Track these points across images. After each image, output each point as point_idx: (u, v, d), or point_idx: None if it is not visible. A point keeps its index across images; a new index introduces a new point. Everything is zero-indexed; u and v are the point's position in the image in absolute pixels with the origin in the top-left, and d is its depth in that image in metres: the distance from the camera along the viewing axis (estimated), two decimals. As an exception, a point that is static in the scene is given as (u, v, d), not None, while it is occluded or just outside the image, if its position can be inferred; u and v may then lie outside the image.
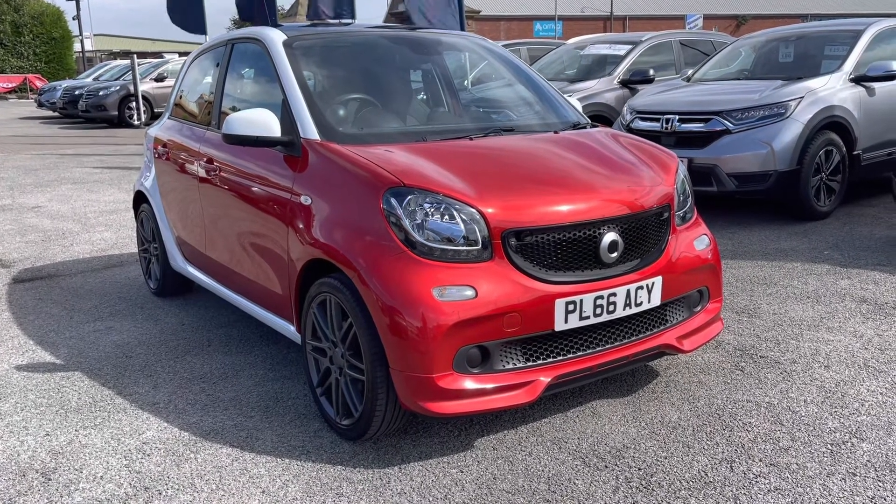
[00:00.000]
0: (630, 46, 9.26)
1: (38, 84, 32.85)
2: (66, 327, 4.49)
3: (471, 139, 3.27)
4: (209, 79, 4.33)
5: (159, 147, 4.72)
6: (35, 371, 3.82)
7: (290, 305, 3.28)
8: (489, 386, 2.70)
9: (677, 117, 6.74)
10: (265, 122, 3.21)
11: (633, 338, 3.03)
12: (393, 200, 2.75)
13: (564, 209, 2.83)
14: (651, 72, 8.64)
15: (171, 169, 4.52)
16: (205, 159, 3.96)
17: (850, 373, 3.50)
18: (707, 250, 3.32)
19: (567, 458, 2.82)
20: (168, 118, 4.85)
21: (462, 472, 2.75)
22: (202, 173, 3.99)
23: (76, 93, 21.56)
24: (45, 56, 40.66)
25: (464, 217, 2.73)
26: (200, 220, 4.12)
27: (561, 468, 2.76)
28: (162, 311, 4.78)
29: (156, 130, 4.92)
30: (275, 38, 3.64)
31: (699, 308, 3.32)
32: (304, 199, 3.08)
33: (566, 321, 2.80)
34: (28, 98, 35.20)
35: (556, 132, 3.53)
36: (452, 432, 3.04)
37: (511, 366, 2.76)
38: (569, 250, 2.82)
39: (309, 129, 3.20)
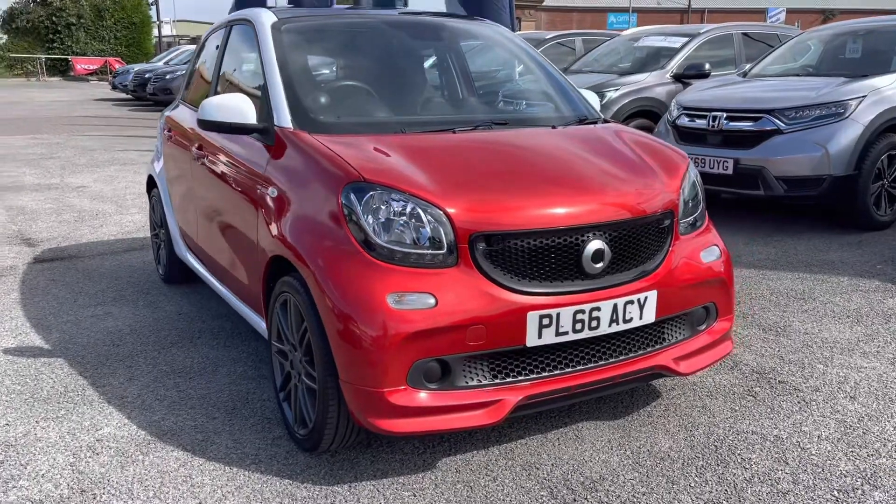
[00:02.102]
0: (686, 39, 8.77)
1: (117, 67, 33.83)
2: (67, 311, 4.44)
3: (454, 132, 3.02)
4: (211, 61, 4.19)
5: (166, 131, 4.62)
6: (20, 356, 3.75)
7: (260, 301, 3.10)
8: (447, 404, 2.46)
9: (725, 115, 6.29)
10: (239, 109, 3.03)
11: (622, 357, 2.74)
12: (352, 196, 2.53)
13: (542, 212, 2.55)
14: (707, 66, 8.15)
15: (174, 153, 4.42)
16: (197, 144, 3.82)
17: (877, 406, 3.12)
18: (717, 262, 2.99)
19: (534, 487, 2.56)
20: (179, 101, 4.75)
21: (415, 495, 2.52)
22: (195, 158, 3.86)
23: (146, 76, 22.04)
24: (125, 40, 41.94)
25: (428, 218, 2.49)
26: (194, 206, 4.00)
27: (524, 498, 2.50)
28: (164, 298, 4.68)
29: (168, 113, 4.82)
30: (264, 20, 3.45)
31: (704, 326, 3.00)
32: (272, 191, 2.90)
33: (540, 336, 2.53)
34: (108, 80, 36.31)
35: (553, 127, 3.25)
36: (417, 449, 2.81)
37: (475, 383, 2.51)
38: (546, 258, 2.55)
39: (283, 116, 3.00)
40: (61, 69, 39.71)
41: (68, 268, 5.37)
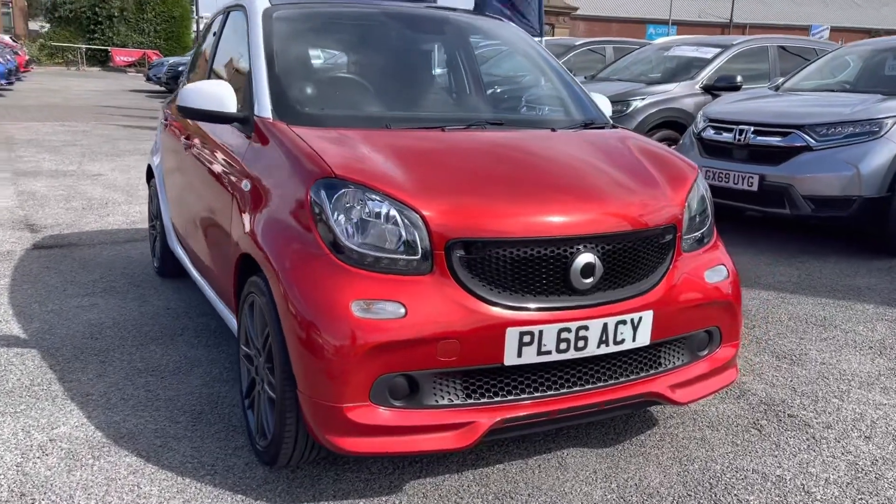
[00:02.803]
0: (718, 50, 8.47)
1: (154, 59, 34.13)
2: (53, 300, 4.31)
3: (443, 130, 2.82)
4: (209, 48, 4.04)
5: (164, 119, 4.49)
6: (-5, 344, 3.63)
7: (232, 300, 2.93)
8: (413, 424, 2.26)
9: (752, 128, 6.01)
10: (220, 96, 2.87)
11: (611, 381, 2.52)
12: (323, 193, 2.34)
13: (528, 220, 2.34)
14: (738, 78, 7.85)
15: (169, 142, 4.28)
16: (186, 133, 3.67)
17: (894, 449, 2.86)
18: (724, 283, 2.75)
19: (504, 520, 2.35)
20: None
21: (374, 521, 2.32)
22: (184, 147, 3.71)
23: (179, 69, 22.16)
24: (164, 33, 42.30)
25: (403, 220, 2.29)
26: (182, 197, 3.85)
27: (492, 532, 2.29)
28: (155, 291, 4.54)
29: (170, 101, 4.69)
30: (256, 5, 3.28)
31: (706, 352, 2.76)
32: (245, 184, 2.73)
33: (520, 355, 2.32)
34: (143, 72, 36.64)
35: (553, 130, 3.03)
36: (385, 469, 2.60)
37: (446, 402, 2.31)
38: (529, 270, 2.34)
39: (264, 106, 2.83)
40: (101, 59, 40.17)
41: (65, 256, 5.26)
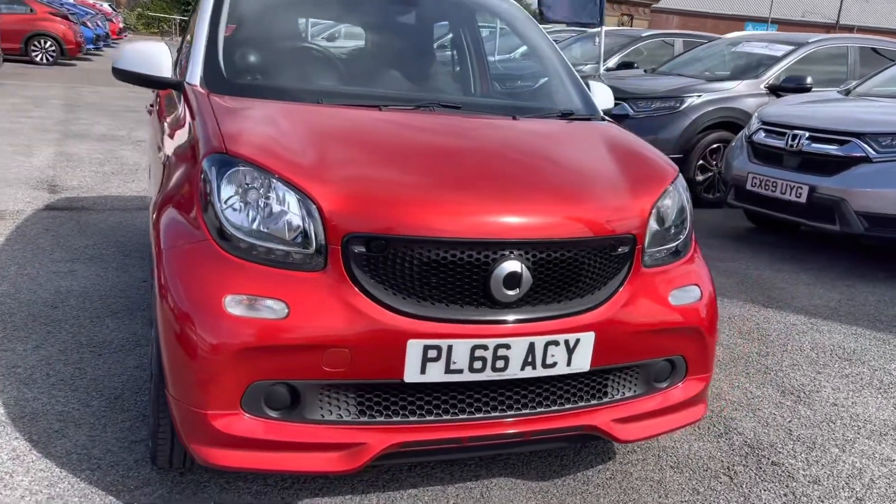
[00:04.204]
0: (790, 48, 7.81)
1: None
2: (35, 263, 4.22)
3: (380, 110, 2.51)
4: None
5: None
6: (-48, 305, 3.54)
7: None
8: (291, 440, 1.99)
9: (807, 134, 5.45)
10: (156, 59, 2.64)
11: (539, 409, 2.18)
12: (213, 171, 2.08)
13: (443, 217, 2.02)
14: (808, 80, 7.21)
15: (154, 115, 4.12)
16: (151, 102, 3.48)
17: (887, 518, 2.42)
18: (695, 306, 2.37)
19: (390, 558, 2.05)
20: (182, 57, 4.45)
21: (243, 543, 2.07)
22: (148, 114, 3.53)
23: (258, 42, 22.43)
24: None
25: (299, 208, 2.01)
26: (149, 165, 3.68)
27: (369, 571, 2.00)
28: (139, 262, 4.40)
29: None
30: (219, -32, 3.04)
31: (666, 384, 2.39)
32: (162, 156, 2.50)
33: (423, 371, 2.02)
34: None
35: (514, 118, 2.68)
36: (283, 482, 2.34)
37: (334, 418, 2.03)
38: (441, 275, 2.02)
39: (195, 72, 2.59)
40: (193, 31, 41.33)
41: (69, 218, 5.20)
